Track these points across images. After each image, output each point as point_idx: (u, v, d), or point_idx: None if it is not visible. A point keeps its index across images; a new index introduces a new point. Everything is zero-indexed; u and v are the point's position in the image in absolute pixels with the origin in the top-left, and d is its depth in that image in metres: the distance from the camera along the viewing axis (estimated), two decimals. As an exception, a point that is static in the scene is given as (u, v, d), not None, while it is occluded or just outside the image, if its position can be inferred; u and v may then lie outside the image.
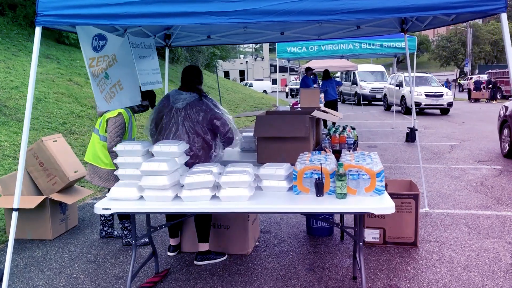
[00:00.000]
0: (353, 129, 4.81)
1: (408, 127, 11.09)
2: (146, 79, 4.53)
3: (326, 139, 4.51)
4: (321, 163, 3.11)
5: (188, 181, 3.04)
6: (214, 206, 2.99)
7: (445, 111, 18.85)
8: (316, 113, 4.27)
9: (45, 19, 2.79)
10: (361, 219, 3.11)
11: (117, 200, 3.13)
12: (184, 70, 3.99)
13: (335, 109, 12.48)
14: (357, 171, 3.06)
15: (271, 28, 5.11)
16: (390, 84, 20.32)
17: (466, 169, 7.71)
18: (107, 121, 4.18)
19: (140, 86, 4.39)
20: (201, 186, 3.05)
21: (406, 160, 8.60)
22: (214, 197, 3.09)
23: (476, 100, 27.67)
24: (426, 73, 23.25)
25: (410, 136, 10.76)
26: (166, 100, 3.95)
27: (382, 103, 25.28)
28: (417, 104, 17.94)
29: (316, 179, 3.09)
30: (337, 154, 3.90)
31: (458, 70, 45.14)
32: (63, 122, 10.00)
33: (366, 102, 24.19)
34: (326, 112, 4.65)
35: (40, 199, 4.55)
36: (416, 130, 5.49)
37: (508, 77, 29.63)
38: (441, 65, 67.58)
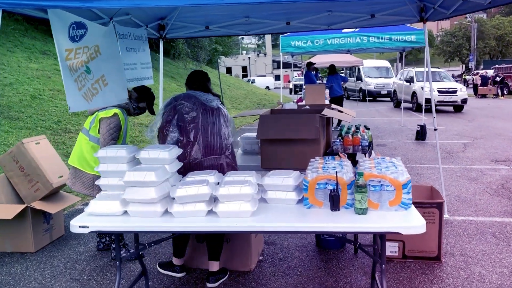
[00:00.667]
0: (368, 129, 4.34)
1: (418, 125, 10.58)
2: (132, 74, 4.07)
3: (338, 140, 4.04)
4: (336, 172, 2.63)
5: (180, 193, 2.57)
6: (210, 224, 2.52)
7: (458, 108, 17.45)
8: (327, 112, 3.79)
9: (5, 1, 2.32)
10: (383, 238, 2.64)
11: (97, 216, 2.67)
12: (193, 73, 3.55)
13: (341, 106, 11.98)
14: (379, 182, 2.59)
15: (275, 17, 4.62)
16: (399, 79, 19.39)
17: (484, 169, 7.22)
18: (100, 120, 3.72)
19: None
20: (195, 200, 2.58)
21: (418, 160, 8.11)
22: (210, 212, 2.62)
23: (483, 96, 27.06)
24: (438, 68, 22.42)
25: (421, 134, 10.26)
26: (195, 98, 3.35)
27: (387, 99, 24.74)
28: (430, 101, 16.82)
29: (331, 190, 2.62)
30: (350, 158, 3.43)
31: (464, 66, 44.53)
32: (58, 120, 9.56)
33: (371, 98, 23.63)
34: (338, 111, 4.17)
35: (19, 208, 4.09)
36: (436, 129, 4.98)
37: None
38: (445, 61, 66.76)
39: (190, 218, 2.58)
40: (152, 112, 4.05)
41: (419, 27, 10.79)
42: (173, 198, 2.64)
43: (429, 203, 3.77)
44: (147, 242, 3.12)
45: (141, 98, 3.97)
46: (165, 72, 20.91)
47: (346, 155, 3.15)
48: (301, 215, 2.60)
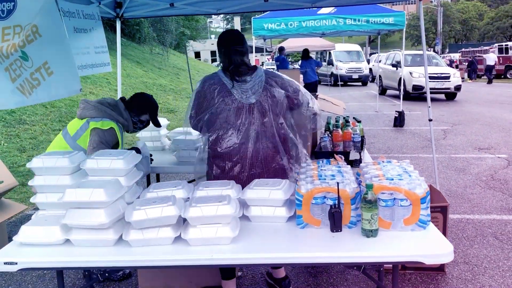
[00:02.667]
0: (358, 121, 3.82)
1: (396, 111, 10.22)
2: (85, 60, 3.41)
3: (326, 136, 3.49)
4: (338, 183, 2.09)
5: (138, 217, 1.97)
6: (177, 256, 1.94)
7: (451, 96, 15.69)
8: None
9: None
10: (397, 267, 2.13)
11: (30, 246, 2.05)
12: (223, 40, 2.64)
13: (315, 92, 11.49)
14: (391, 194, 2.07)
15: (252, -7, 4.01)
16: (386, 64, 17.88)
17: (469, 159, 6.88)
18: (92, 130, 2.93)
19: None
20: (158, 224, 1.99)
21: (399, 149, 7.72)
22: (178, 238, 2.03)
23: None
24: (429, 50, 21.65)
25: (399, 121, 9.90)
26: (225, 91, 2.54)
27: (359, 83, 24.45)
28: (419, 88, 15.02)
29: (331, 206, 2.08)
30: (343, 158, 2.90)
31: (432, 49, 44.98)
32: (11, 111, 8.69)
33: (342, 83, 23.28)
34: (326, 100, 3.61)
35: None
36: (431, 120, 4.49)
37: (481, 56, 29.26)
38: (412, 44, 67.39)
39: (152, 247, 1.99)
40: (158, 125, 3.30)
41: (398, 9, 10.35)
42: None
43: (432, 207, 3.29)
44: (101, 272, 2.51)
45: (142, 109, 3.19)
46: (131, 57, 19.93)
47: (343, 158, 2.61)
48: (294, 238, 2.06)
